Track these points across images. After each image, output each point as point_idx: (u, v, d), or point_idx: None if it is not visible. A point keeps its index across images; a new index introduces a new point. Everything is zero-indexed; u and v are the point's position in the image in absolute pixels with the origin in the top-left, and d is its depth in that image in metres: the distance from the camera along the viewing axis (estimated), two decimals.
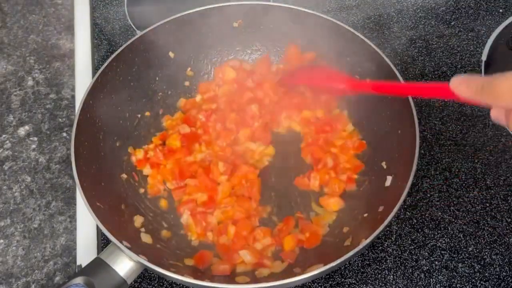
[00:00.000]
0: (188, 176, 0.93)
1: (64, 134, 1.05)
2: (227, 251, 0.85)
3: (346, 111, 1.00)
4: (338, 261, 0.70)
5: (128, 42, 0.93)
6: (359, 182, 0.92)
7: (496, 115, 0.60)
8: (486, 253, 0.87)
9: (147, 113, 0.99)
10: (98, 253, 0.89)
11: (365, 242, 0.71)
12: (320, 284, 0.85)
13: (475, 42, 1.12)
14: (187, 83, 1.04)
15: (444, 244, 0.88)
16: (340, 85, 0.88)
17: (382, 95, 0.90)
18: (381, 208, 0.80)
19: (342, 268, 0.86)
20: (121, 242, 0.72)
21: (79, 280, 0.69)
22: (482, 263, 0.86)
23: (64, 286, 0.69)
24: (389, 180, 0.85)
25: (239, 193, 0.91)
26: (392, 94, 0.86)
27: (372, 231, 0.72)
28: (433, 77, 1.07)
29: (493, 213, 0.90)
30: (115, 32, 1.17)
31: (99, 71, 0.89)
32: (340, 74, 0.89)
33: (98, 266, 0.72)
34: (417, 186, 0.93)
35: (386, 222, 0.72)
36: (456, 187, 0.93)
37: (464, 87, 0.60)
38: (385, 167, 0.88)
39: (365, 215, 0.84)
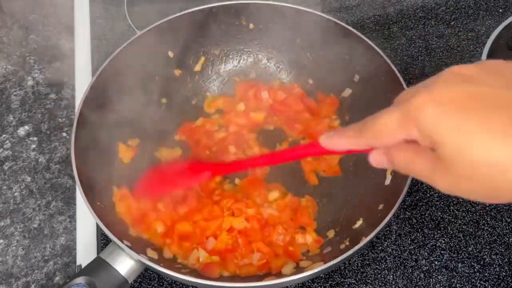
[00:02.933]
0: None
1: (64, 134, 1.04)
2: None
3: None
4: (339, 258, 0.70)
5: (127, 42, 0.93)
6: (359, 178, 0.92)
7: (376, 158, 0.53)
8: (486, 253, 0.87)
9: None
10: (98, 253, 0.89)
11: (366, 239, 0.71)
12: (320, 284, 0.85)
13: (475, 42, 1.12)
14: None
15: (444, 244, 0.88)
16: (205, 174, 0.81)
17: (380, 94, 0.91)
18: (381, 206, 0.80)
19: (342, 268, 0.86)
20: (121, 241, 0.72)
21: (80, 280, 0.69)
22: (482, 263, 0.86)
23: (65, 286, 0.69)
24: (388, 179, 0.85)
25: None
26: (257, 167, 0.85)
27: (373, 229, 0.72)
28: None
29: (493, 213, 0.90)
30: (115, 32, 1.17)
31: (99, 71, 0.89)
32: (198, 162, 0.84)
33: (99, 265, 0.72)
34: (417, 186, 0.93)
35: (386, 220, 0.72)
36: None
37: (336, 139, 0.55)
38: None
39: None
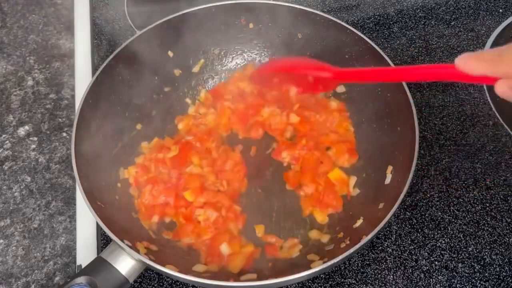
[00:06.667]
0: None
1: (64, 134, 1.04)
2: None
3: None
4: (339, 258, 0.70)
5: (127, 42, 0.93)
6: (359, 179, 0.92)
7: (503, 90, 0.54)
8: (486, 253, 0.87)
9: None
10: (98, 253, 0.89)
11: (366, 238, 0.71)
12: (320, 284, 0.85)
13: (475, 42, 1.12)
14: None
15: (444, 244, 0.88)
16: (325, 73, 0.81)
17: (381, 94, 0.91)
18: (381, 205, 0.80)
19: (342, 268, 0.86)
20: (122, 240, 0.72)
21: (81, 279, 0.69)
22: (482, 263, 0.86)
23: (66, 285, 0.69)
24: (389, 178, 0.85)
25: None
26: (389, 81, 0.84)
27: (373, 228, 0.72)
28: None
29: (493, 213, 0.90)
30: (115, 32, 1.17)
31: (99, 71, 0.89)
32: (323, 63, 0.83)
33: (99, 265, 0.72)
34: (417, 186, 0.93)
35: (386, 220, 0.72)
36: (456, 187, 0.93)
37: (473, 61, 0.56)
38: (385, 165, 0.88)
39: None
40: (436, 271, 0.85)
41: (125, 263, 0.72)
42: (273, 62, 0.97)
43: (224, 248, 0.85)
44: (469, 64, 0.56)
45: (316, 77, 0.84)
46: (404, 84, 0.85)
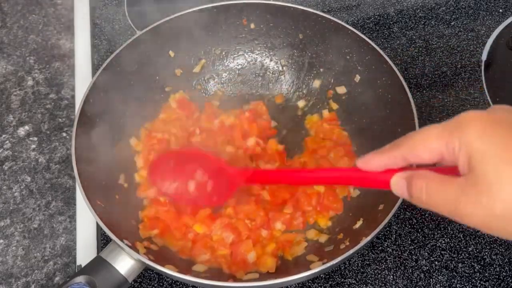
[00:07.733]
0: None
1: (64, 134, 1.04)
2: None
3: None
4: (339, 258, 0.70)
5: (128, 42, 0.93)
6: None
7: (397, 180, 0.51)
8: (486, 253, 0.87)
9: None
10: (98, 253, 0.89)
11: (366, 239, 0.71)
12: (320, 284, 0.85)
13: (475, 42, 1.12)
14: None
15: (444, 244, 0.88)
16: (229, 169, 0.81)
17: (382, 95, 0.91)
18: (381, 207, 0.80)
19: (342, 268, 0.86)
20: (121, 240, 0.72)
21: (80, 279, 0.69)
22: (482, 263, 0.86)
23: (65, 285, 0.69)
24: None
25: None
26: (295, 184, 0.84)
27: (373, 229, 0.72)
28: (433, 77, 1.07)
29: None
30: (115, 32, 1.17)
31: (99, 71, 0.89)
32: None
33: (99, 264, 0.72)
34: None
35: (386, 220, 0.72)
36: None
37: (372, 156, 0.53)
38: None
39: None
40: (436, 271, 0.85)
41: (124, 263, 0.72)
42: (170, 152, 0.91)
43: (251, 255, 0.82)
44: (369, 160, 0.54)
45: (214, 184, 0.82)
46: (404, 84, 0.85)
